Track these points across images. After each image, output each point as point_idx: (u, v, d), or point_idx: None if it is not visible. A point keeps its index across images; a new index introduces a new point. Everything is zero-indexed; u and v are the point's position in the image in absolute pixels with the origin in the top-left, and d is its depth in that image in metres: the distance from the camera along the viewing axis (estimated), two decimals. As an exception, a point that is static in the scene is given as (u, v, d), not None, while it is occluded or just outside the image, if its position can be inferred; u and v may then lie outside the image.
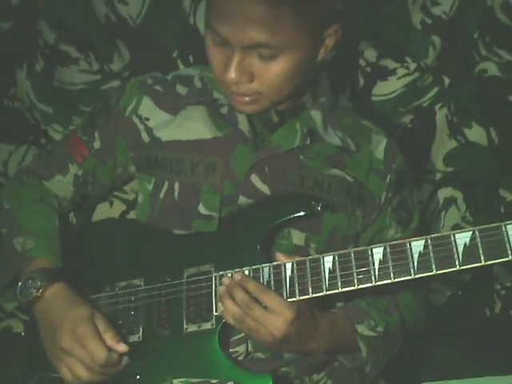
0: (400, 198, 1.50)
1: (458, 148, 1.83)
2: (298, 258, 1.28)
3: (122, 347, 1.29)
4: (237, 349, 1.34)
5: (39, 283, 1.32)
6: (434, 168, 1.85)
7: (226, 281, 1.28)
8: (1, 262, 1.43)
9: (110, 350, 1.28)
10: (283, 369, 1.38)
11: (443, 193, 1.86)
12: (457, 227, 1.85)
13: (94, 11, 1.73)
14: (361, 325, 1.38)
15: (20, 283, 1.34)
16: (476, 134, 1.82)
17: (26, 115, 1.76)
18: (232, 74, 1.28)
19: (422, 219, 1.83)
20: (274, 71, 1.29)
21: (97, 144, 1.48)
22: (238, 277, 1.27)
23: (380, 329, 1.40)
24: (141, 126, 1.44)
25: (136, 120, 1.44)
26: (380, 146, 1.48)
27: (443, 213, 1.86)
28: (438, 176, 1.85)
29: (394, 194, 1.48)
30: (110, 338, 1.28)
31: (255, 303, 1.25)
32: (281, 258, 1.30)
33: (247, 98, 1.32)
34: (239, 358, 1.34)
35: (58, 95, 1.75)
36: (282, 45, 1.26)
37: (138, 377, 1.31)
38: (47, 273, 1.34)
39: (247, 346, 1.35)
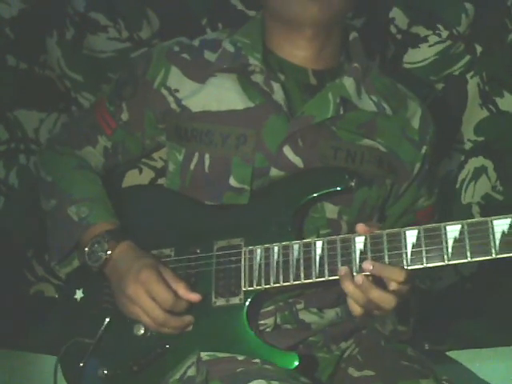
0: (432, 169, 1.50)
1: (490, 117, 1.81)
2: (328, 237, 1.27)
3: (195, 296, 1.29)
4: (265, 321, 1.36)
5: (106, 246, 1.35)
6: (465, 137, 1.83)
7: (342, 271, 1.22)
8: (58, 232, 1.45)
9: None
10: (311, 338, 1.40)
11: (474, 162, 1.84)
12: (487, 196, 1.84)
13: (122, -22, 1.72)
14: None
15: (87, 249, 1.37)
16: (508, 103, 1.80)
17: (57, 83, 1.76)
18: None
19: (452, 189, 1.84)
20: None
21: (125, 116, 1.48)
22: (359, 281, 1.20)
23: (428, 282, 1.42)
24: (170, 99, 1.43)
25: (165, 92, 1.43)
26: (416, 115, 1.47)
27: (473, 182, 1.84)
28: (469, 145, 1.83)
29: (430, 165, 1.48)
30: (182, 288, 1.29)
31: (375, 289, 1.19)
32: (362, 228, 1.24)
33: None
34: (267, 330, 1.36)
35: (87, 63, 1.75)
36: None
37: (168, 346, 1.33)
38: (111, 234, 1.37)
39: (276, 319, 1.36)
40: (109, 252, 1.35)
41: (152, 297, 1.28)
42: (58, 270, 1.48)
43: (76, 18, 1.71)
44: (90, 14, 1.71)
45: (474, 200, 1.85)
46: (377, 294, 1.19)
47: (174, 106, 1.43)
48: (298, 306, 1.39)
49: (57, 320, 1.52)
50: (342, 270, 1.22)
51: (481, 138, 1.83)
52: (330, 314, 1.41)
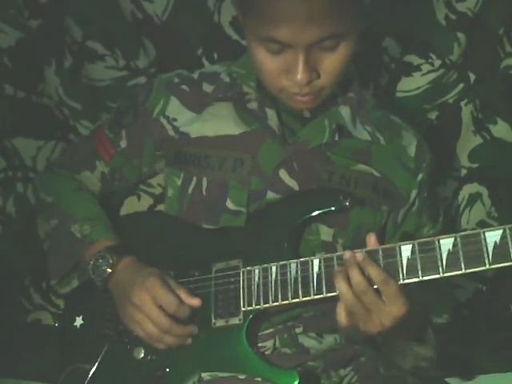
0: (432, 196, 1.51)
1: (483, 144, 1.83)
2: (325, 255, 1.28)
3: (196, 301, 1.31)
4: (264, 344, 1.36)
5: (110, 260, 1.36)
6: (459, 164, 1.84)
7: (346, 255, 1.23)
8: (60, 250, 1.46)
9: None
10: (310, 363, 1.39)
11: (468, 189, 1.85)
12: (482, 223, 1.85)
13: (120, 8, 1.74)
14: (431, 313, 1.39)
15: (91, 263, 1.38)
16: (501, 129, 1.82)
17: (55, 111, 1.78)
18: (301, 76, 1.26)
19: (448, 215, 1.84)
20: (338, 60, 1.29)
21: (123, 143, 1.50)
22: (360, 257, 1.21)
23: (446, 315, 1.42)
24: (168, 127, 1.46)
25: (164, 121, 1.46)
26: (412, 144, 1.49)
27: (468, 209, 1.85)
28: (463, 172, 1.85)
29: (428, 193, 1.49)
30: (184, 293, 1.31)
31: (371, 290, 1.20)
32: (372, 240, 1.25)
33: (311, 96, 1.32)
34: (266, 353, 1.36)
35: (86, 91, 1.77)
36: (344, 31, 1.26)
37: (168, 369, 1.33)
38: (115, 249, 1.39)
39: (275, 341, 1.36)
40: (113, 266, 1.36)
41: (157, 303, 1.30)
42: (58, 289, 1.47)
43: (74, 46, 1.74)
44: (87, 43, 1.73)
45: (469, 226, 1.86)
46: (371, 297, 1.19)
47: (172, 133, 1.46)
48: (297, 330, 1.38)
49: (56, 348, 1.52)
50: (347, 253, 1.22)
51: (475, 165, 1.84)
52: (329, 339, 1.41)
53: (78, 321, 1.45)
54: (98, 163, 1.53)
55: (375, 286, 1.21)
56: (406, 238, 1.47)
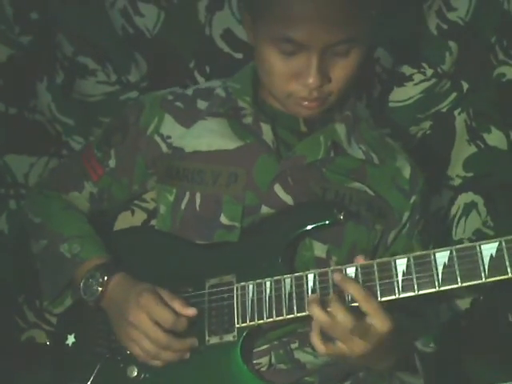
0: (424, 221, 1.50)
1: (478, 153, 1.82)
2: (320, 270, 1.26)
3: (191, 311, 1.29)
4: (260, 360, 1.34)
5: (101, 279, 1.35)
6: (454, 173, 1.84)
7: (337, 277, 1.21)
8: (51, 271, 1.45)
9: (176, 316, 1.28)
10: (306, 378, 1.38)
11: (463, 198, 1.85)
12: (478, 232, 1.84)
13: (110, 23, 1.74)
14: (417, 341, 1.38)
15: (82, 284, 1.36)
16: (495, 138, 1.81)
17: (47, 127, 1.77)
18: (314, 79, 1.27)
19: (443, 225, 1.84)
20: (348, 67, 1.30)
21: (112, 163, 1.49)
22: (338, 277, 1.21)
23: (432, 345, 1.40)
24: (163, 145, 1.45)
25: (158, 139, 1.45)
26: (406, 166, 1.48)
27: (464, 218, 1.85)
28: (458, 181, 1.84)
29: (420, 217, 1.48)
30: (178, 304, 1.29)
31: (351, 317, 1.18)
32: (360, 260, 1.24)
33: (318, 102, 1.32)
34: (262, 370, 1.34)
35: (78, 107, 1.76)
36: (358, 37, 1.27)
37: (162, 388, 1.32)
38: (105, 267, 1.37)
39: (270, 358, 1.35)
40: (104, 285, 1.35)
41: (153, 319, 1.28)
42: (51, 309, 1.46)
43: (65, 62, 1.73)
44: (78, 58, 1.72)
45: (465, 236, 1.85)
46: (343, 315, 1.17)
47: (165, 150, 1.45)
48: (293, 345, 1.37)
49: (48, 367, 1.50)
50: (311, 297, 1.22)
51: (470, 174, 1.83)
52: (325, 354, 1.40)
53: (70, 339, 1.44)
54: (86, 183, 1.51)
55: (355, 304, 1.20)
56: None
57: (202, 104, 1.46)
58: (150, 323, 1.28)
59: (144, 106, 1.48)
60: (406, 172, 1.48)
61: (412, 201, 1.46)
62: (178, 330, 1.30)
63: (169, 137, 1.44)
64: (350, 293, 1.20)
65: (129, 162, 1.48)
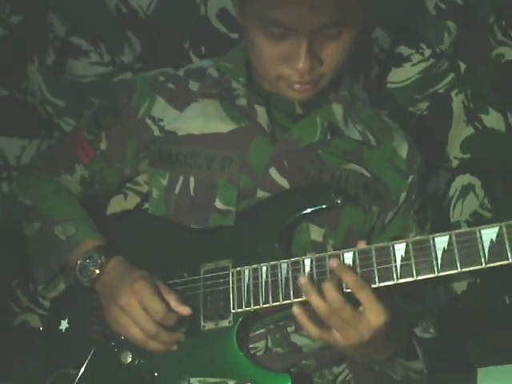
0: (421, 200, 1.48)
1: (475, 134, 1.81)
2: (317, 254, 1.24)
3: (185, 309, 1.27)
4: (256, 344, 1.33)
5: (99, 261, 1.33)
6: (451, 155, 1.82)
7: (333, 263, 1.18)
8: (45, 254, 1.42)
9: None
10: (303, 362, 1.37)
11: (461, 180, 1.84)
12: (475, 214, 1.83)
13: (104, 3, 1.72)
14: (417, 327, 1.37)
15: (79, 263, 1.34)
16: (493, 119, 1.80)
17: (38, 109, 1.75)
18: (304, 63, 1.25)
19: (441, 207, 1.83)
20: (340, 49, 1.28)
21: (103, 145, 1.47)
22: (334, 263, 1.18)
23: (432, 330, 1.39)
24: (154, 128, 1.42)
25: (149, 122, 1.42)
26: (403, 145, 1.46)
27: (461, 200, 1.83)
28: (456, 163, 1.83)
29: (417, 196, 1.47)
30: (173, 299, 1.28)
31: (347, 305, 1.16)
32: (362, 244, 1.22)
33: (310, 85, 1.31)
34: (258, 354, 1.33)
35: (69, 88, 1.74)
36: (348, 19, 1.25)
37: (156, 374, 1.30)
38: (102, 249, 1.35)
39: (267, 342, 1.34)
40: (101, 267, 1.33)
41: (144, 307, 1.26)
42: (44, 294, 1.44)
43: (57, 43, 1.71)
44: (71, 39, 1.70)
45: (462, 218, 1.84)
46: (348, 311, 1.15)
47: (157, 133, 1.42)
48: (289, 329, 1.36)
49: (42, 352, 1.49)
50: (302, 279, 1.19)
51: (467, 156, 1.82)
52: (322, 337, 1.39)
53: (64, 324, 1.42)
54: (78, 166, 1.49)
55: (349, 290, 1.18)
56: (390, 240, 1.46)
57: (193, 85, 1.43)
58: (140, 310, 1.26)
59: (135, 87, 1.45)
60: (403, 151, 1.46)
61: (409, 181, 1.45)
62: (168, 325, 1.28)
63: (161, 119, 1.42)
64: (346, 281, 1.18)
65: (120, 145, 1.45)
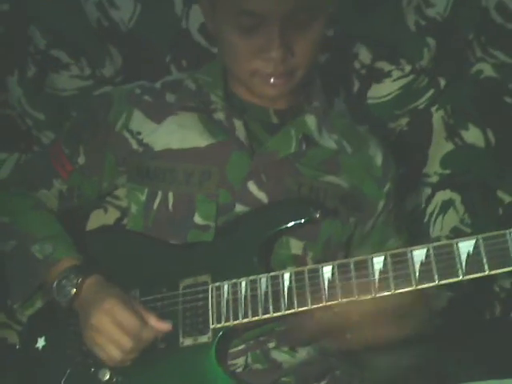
0: (398, 208, 1.50)
1: (455, 150, 1.82)
2: (296, 269, 1.24)
3: (166, 325, 1.26)
4: (236, 361, 1.32)
5: (75, 280, 1.31)
6: (432, 171, 1.83)
7: None
8: (21, 272, 1.40)
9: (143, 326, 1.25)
10: (283, 379, 1.36)
11: (441, 195, 1.85)
12: (455, 230, 1.84)
13: (85, 16, 1.71)
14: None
15: (55, 285, 1.32)
16: (473, 135, 1.82)
17: (18, 122, 1.74)
18: (277, 53, 1.26)
19: (421, 222, 1.84)
20: (310, 40, 1.29)
21: (81, 159, 1.45)
22: None
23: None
24: (133, 141, 1.41)
25: (127, 135, 1.41)
26: (378, 153, 1.47)
27: (441, 215, 1.84)
28: (436, 178, 1.84)
29: (394, 204, 1.47)
30: (153, 318, 1.26)
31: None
32: None
33: (284, 79, 1.31)
34: (238, 371, 1.32)
35: (49, 101, 1.74)
36: (317, 5, 1.26)
37: (135, 391, 1.29)
38: (79, 269, 1.33)
39: (246, 358, 1.33)
40: (78, 286, 1.31)
41: (117, 324, 1.24)
42: (21, 312, 1.42)
43: (37, 56, 1.70)
44: (51, 52, 1.70)
45: (442, 233, 1.85)
46: None
47: (135, 146, 1.41)
48: (270, 345, 1.36)
49: (18, 369, 1.46)
50: None
51: (447, 171, 1.83)
52: (302, 353, 1.38)
53: (40, 342, 1.39)
54: (55, 181, 1.47)
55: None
56: (371, 249, 1.46)
57: (170, 97, 1.43)
58: (113, 328, 1.24)
59: (112, 101, 1.44)
60: (378, 159, 1.47)
61: (386, 189, 1.46)
62: (145, 339, 1.26)
63: (139, 133, 1.41)
64: None
65: (98, 158, 1.44)
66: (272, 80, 1.31)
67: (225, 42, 1.31)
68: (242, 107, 1.40)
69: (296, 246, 1.36)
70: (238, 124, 1.38)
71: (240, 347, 1.33)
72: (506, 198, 1.84)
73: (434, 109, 1.80)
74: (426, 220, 1.85)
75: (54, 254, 1.36)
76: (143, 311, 1.27)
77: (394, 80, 1.78)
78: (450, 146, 1.82)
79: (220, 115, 1.39)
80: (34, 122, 1.73)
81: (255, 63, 1.30)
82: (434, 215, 1.85)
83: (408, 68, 1.76)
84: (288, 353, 1.37)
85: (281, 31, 1.25)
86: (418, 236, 1.83)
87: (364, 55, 1.78)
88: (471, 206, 1.84)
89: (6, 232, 1.44)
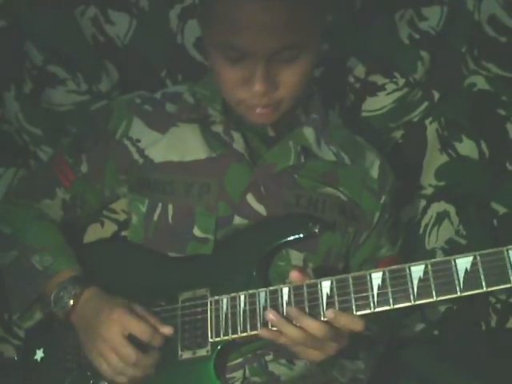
0: (393, 219, 1.51)
1: (450, 162, 1.83)
2: (294, 283, 1.25)
3: (168, 329, 1.26)
4: (233, 374, 1.33)
5: (73, 292, 1.32)
6: (426, 183, 1.84)
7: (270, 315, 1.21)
8: (21, 283, 1.41)
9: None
10: (281, 392, 1.37)
11: (436, 207, 1.85)
12: (451, 241, 1.85)
13: (81, 32, 1.72)
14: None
15: (53, 296, 1.33)
16: (467, 147, 1.82)
17: (15, 137, 1.74)
18: (260, 86, 1.26)
19: (416, 234, 1.84)
20: (297, 72, 1.28)
21: (84, 168, 1.46)
22: (330, 315, 1.20)
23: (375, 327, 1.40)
24: (132, 149, 1.43)
25: (127, 142, 1.43)
26: (374, 165, 1.48)
27: (436, 227, 1.85)
28: (430, 190, 1.84)
29: (390, 215, 1.48)
30: (155, 321, 1.27)
31: (325, 328, 1.19)
32: (295, 276, 1.24)
33: (270, 109, 1.31)
34: (236, 384, 1.33)
35: (46, 116, 1.73)
36: (304, 43, 1.26)
37: (133, 404, 1.29)
38: (77, 280, 1.34)
39: (244, 372, 1.34)
40: (75, 298, 1.32)
41: (125, 335, 1.25)
42: (20, 324, 1.42)
43: (34, 71, 1.70)
44: (48, 67, 1.70)
45: (437, 245, 1.86)
46: (345, 319, 1.19)
47: (136, 156, 1.43)
48: (267, 358, 1.37)
49: (17, 382, 1.46)
50: (270, 314, 1.21)
51: (442, 183, 1.84)
52: (300, 365, 1.39)
53: (39, 354, 1.40)
54: (58, 190, 1.48)
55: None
56: (362, 259, 1.48)
57: (170, 107, 1.44)
58: (121, 338, 1.25)
59: (112, 110, 1.46)
60: (375, 172, 1.48)
61: (382, 201, 1.47)
62: (155, 346, 1.27)
63: (138, 140, 1.42)
64: (343, 324, 1.19)
65: (100, 166, 1.45)
66: (258, 110, 1.32)
67: (213, 66, 1.32)
68: (238, 120, 1.41)
69: (296, 258, 1.37)
70: (237, 136, 1.39)
71: (238, 360, 1.34)
72: (501, 210, 1.85)
73: (428, 121, 1.81)
74: (421, 232, 1.85)
75: (54, 266, 1.36)
76: (146, 315, 1.28)
77: (388, 93, 1.78)
78: (444, 158, 1.83)
79: (218, 128, 1.40)
80: (31, 137, 1.72)
81: (240, 93, 1.30)
82: (429, 227, 1.85)
83: (402, 81, 1.77)
84: (286, 365, 1.38)
85: (265, 66, 1.25)
86: (414, 248, 1.84)
87: (358, 69, 1.79)
88: (466, 218, 1.85)
89: (8, 243, 1.45)
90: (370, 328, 1.41)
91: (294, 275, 1.23)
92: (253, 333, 1.25)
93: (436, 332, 1.86)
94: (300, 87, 1.31)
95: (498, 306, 1.87)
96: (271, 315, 1.20)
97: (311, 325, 1.19)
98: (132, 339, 1.26)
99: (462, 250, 1.20)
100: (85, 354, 1.31)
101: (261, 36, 1.22)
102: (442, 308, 1.86)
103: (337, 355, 1.26)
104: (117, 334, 1.25)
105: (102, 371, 1.28)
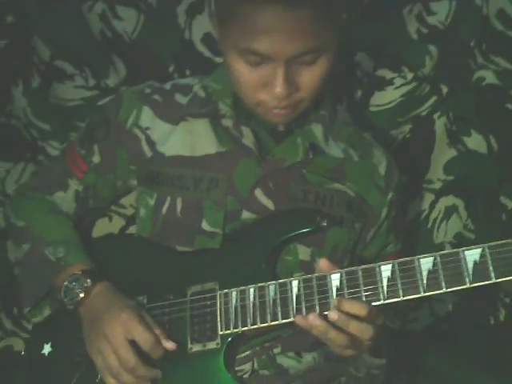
0: (399, 215, 1.52)
1: (458, 156, 1.82)
2: (304, 276, 1.26)
3: (171, 345, 1.26)
4: (242, 367, 1.33)
5: (85, 284, 1.33)
6: (435, 177, 1.84)
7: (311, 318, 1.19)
8: (33, 275, 1.41)
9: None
10: (289, 385, 1.37)
11: (444, 201, 1.85)
12: (459, 235, 1.84)
13: (88, 27, 1.72)
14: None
15: (65, 284, 1.34)
16: (475, 141, 1.82)
17: (23, 132, 1.74)
18: (281, 89, 1.26)
19: (424, 229, 1.84)
20: (317, 74, 1.29)
21: (96, 158, 1.47)
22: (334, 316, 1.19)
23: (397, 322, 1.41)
24: (142, 137, 1.43)
25: (137, 131, 1.43)
26: (382, 162, 1.49)
27: (445, 222, 1.85)
28: (439, 185, 1.84)
29: (396, 212, 1.49)
30: (161, 334, 1.26)
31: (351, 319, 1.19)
32: (325, 265, 1.24)
33: (289, 110, 1.32)
34: (244, 376, 1.33)
35: (54, 111, 1.74)
36: (324, 46, 1.26)
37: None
38: (90, 273, 1.34)
39: (253, 364, 1.34)
40: (87, 291, 1.32)
41: (129, 338, 1.24)
42: (29, 318, 1.43)
43: (42, 66, 1.70)
44: (56, 63, 1.70)
45: (446, 239, 1.86)
46: (355, 325, 1.18)
47: (146, 148, 1.43)
48: (275, 350, 1.36)
49: (24, 377, 1.46)
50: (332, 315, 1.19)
51: (450, 177, 1.84)
52: (308, 358, 1.39)
53: (47, 348, 1.40)
54: (71, 181, 1.49)
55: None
56: (373, 255, 1.49)
57: (180, 98, 1.44)
58: (123, 340, 1.24)
59: (122, 100, 1.46)
60: (382, 169, 1.48)
61: (389, 198, 1.48)
62: (154, 357, 1.26)
63: (148, 128, 1.42)
64: (354, 312, 1.19)
65: (111, 155, 1.46)
66: (276, 111, 1.32)
67: (231, 68, 1.31)
68: (249, 115, 1.41)
69: (304, 252, 1.37)
70: (246, 131, 1.39)
71: (246, 353, 1.34)
72: (509, 204, 1.84)
73: (436, 116, 1.81)
74: (429, 226, 1.85)
75: (66, 258, 1.37)
76: (153, 325, 1.27)
77: (397, 88, 1.78)
78: (452, 153, 1.82)
79: (228, 122, 1.41)
80: (39, 132, 1.73)
81: (260, 95, 1.30)
82: (438, 221, 1.85)
83: (410, 75, 1.77)
84: (294, 358, 1.38)
85: (285, 68, 1.25)
86: (422, 242, 1.84)
87: (366, 63, 1.79)
88: (474, 212, 1.85)
89: (21, 236, 1.45)
90: (395, 322, 1.42)
91: (323, 263, 1.23)
92: (263, 325, 1.25)
93: (445, 326, 1.86)
94: (319, 87, 1.32)
95: (507, 300, 1.87)
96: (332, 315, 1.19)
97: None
98: (134, 346, 1.25)
99: (471, 245, 1.20)
100: (86, 347, 1.31)
101: (282, 42, 1.22)
102: (451, 303, 1.86)
103: (365, 352, 1.27)
104: (120, 336, 1.24)
105: (97, 366, 1.27)
